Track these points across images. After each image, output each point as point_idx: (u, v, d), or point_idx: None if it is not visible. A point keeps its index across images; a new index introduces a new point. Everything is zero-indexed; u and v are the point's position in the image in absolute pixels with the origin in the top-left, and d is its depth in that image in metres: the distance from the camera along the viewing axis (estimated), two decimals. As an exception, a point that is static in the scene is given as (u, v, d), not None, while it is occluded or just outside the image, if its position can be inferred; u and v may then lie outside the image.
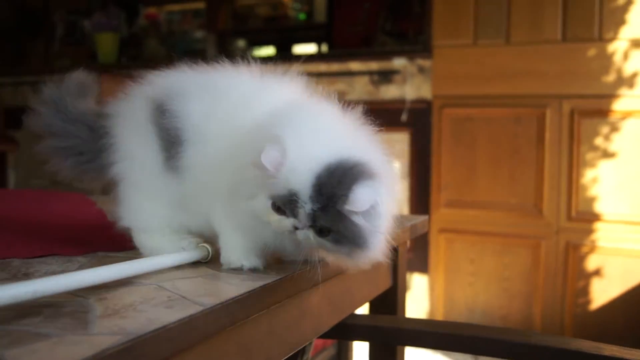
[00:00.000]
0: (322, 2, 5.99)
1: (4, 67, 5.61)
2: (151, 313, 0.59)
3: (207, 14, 6.64)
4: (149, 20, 6.24)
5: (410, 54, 3.36)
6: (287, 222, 0.71)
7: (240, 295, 0.67)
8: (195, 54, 6.19)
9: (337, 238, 0.71)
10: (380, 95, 3.45)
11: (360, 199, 0.68)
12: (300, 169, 0.69)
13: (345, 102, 0.78)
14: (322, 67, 3.62)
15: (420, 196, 3.37)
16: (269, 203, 0.71)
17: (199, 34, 6.52)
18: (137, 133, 0.84)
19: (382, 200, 0.71)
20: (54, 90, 0.92)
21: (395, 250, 1.22)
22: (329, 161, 0.69)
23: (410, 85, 3.36)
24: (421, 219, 1.30)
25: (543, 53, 3.04)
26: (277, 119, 0.74)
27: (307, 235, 0.71)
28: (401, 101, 3.37)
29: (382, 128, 0.78)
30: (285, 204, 0.70)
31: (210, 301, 0.63)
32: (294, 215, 0.70)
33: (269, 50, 7.02)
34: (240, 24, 6.94)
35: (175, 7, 6.76)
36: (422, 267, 3.33)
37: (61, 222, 1.12)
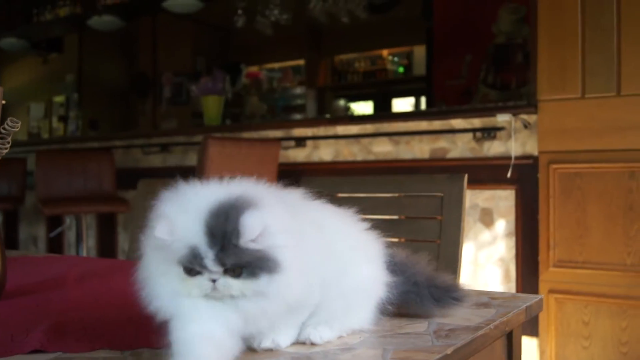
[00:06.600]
0: (422, 55, 6.01)
1: (116, 131, 5.93)
2: None
3: (307, 71, 6.81)
4: (250, 78, 6.47)
5: (514, 110, 3.28)
6: (203, 279, 0.74)
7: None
8: (296, 110, 6.34)
9: (252, 271, 0.74)
10: (483, 152, 3.37)
11: (250, 226, 0.73)
12: (190, 224, 0.74)
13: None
14: (423, 124, 3.58)
15: (528, 255, 3.24)
16: (181, 270, 0.75)
17: (298, 90, 6.68)
18: None
19: (275, 221, 0.75)
20: None
21: (510, 334, 1.17)
22: (211, 207, 0.75)
23: (515, 141, 3.27)
24: (536, 298, 1.24)
25: (658, 104, 2.89)
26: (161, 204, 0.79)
27: (227, 283, 0.74)
28: (506, 157, 3.28)
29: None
30: (192, 262, 0.74)
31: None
32: (203, 267, 0.74)
33: (367, 105, 7.08)
34: (339, 79, 7.07)
35: (276, 65, 6.99)
36: (532, 329, 3.18)
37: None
